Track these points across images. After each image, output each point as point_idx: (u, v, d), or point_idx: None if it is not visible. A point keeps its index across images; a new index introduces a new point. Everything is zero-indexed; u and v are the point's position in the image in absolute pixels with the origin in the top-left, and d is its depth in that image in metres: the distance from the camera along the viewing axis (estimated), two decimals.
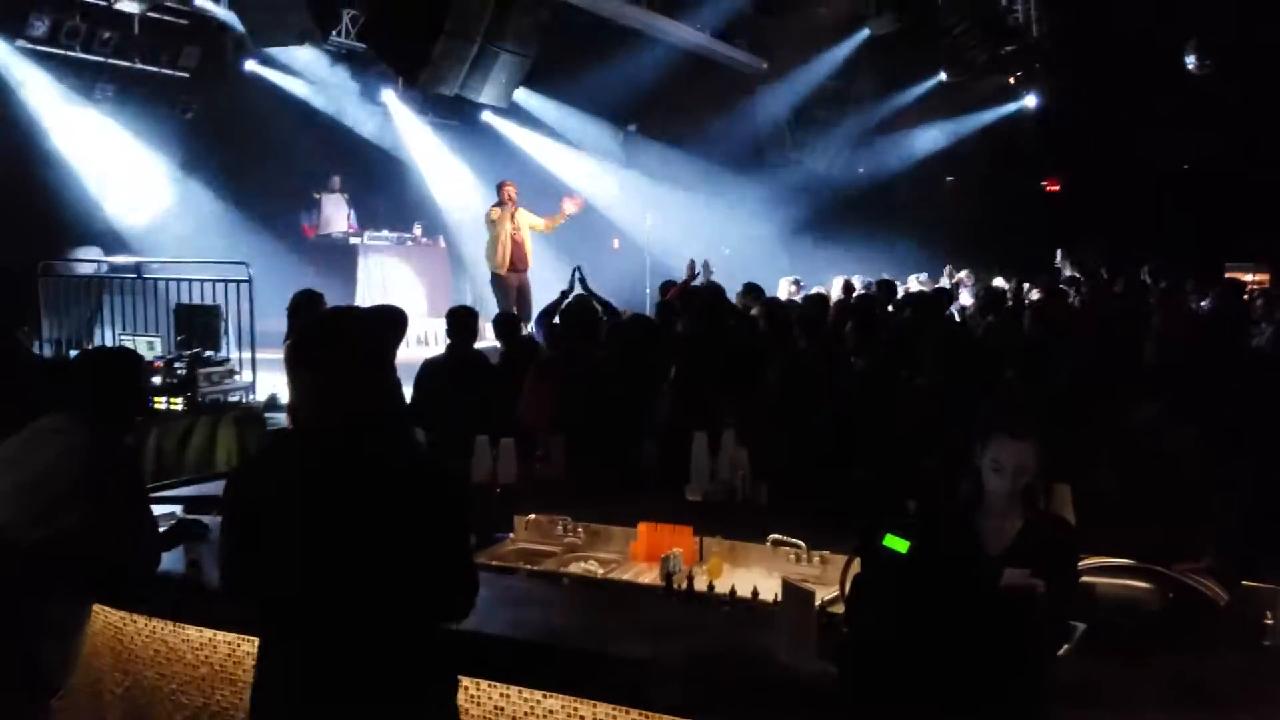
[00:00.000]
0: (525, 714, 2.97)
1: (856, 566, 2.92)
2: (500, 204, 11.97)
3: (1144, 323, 7.01)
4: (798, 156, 17.41)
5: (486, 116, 15.78)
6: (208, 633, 3.42)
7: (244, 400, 8.37)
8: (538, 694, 2.94)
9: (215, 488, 4.16)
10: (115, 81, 12.34)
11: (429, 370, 6.64)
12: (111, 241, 12.13)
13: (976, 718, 2.44)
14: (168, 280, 10.12)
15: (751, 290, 9.35)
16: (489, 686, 2.98)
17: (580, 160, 16.69)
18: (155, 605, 3.51)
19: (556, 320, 7.18)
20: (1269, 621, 2.98)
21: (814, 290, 10.80)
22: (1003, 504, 2.78)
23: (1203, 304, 9.61)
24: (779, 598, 3.07)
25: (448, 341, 6.69)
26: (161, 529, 3.66)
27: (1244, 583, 3.33)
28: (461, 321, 6.68)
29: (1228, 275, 12.11)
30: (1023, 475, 2.74)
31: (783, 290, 11.10)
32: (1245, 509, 4.03)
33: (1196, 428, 4.38)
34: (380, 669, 2.44)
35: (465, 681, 2.88)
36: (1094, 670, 2.83)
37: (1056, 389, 4.98)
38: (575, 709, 2.89)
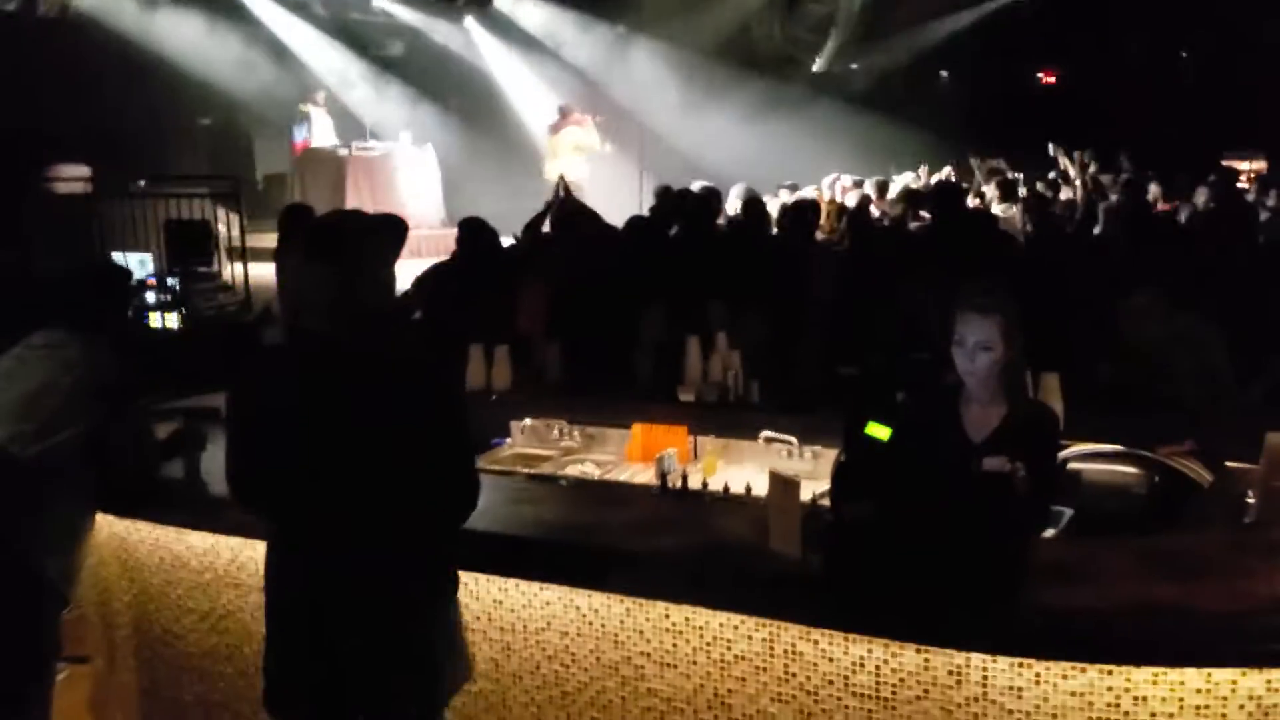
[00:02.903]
0: (523, 606, 3.04)
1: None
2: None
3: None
4: (793, 53, 17.12)
5: (469, 25, 15.54)
6: (210, 539, 3.48)
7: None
8: (535, 586, 3.01)
9: (215, 400, 4.19)
10: None
11: (435, 276, 6.58)
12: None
13: (958, 599, 2.50)
14: (156, 197, 10.04)
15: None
16: (487, 580, 3.05)
17: (563, 71, 16.38)
18: (158, 513, 3.56)
19: (545, 228, 7.15)
20: (1250, 500, 3.04)
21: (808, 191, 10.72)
22: (979, 389, 2.82)
23: (1199, 195, 9.54)
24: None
25: (454, 249, 6.62)
26: (161, 438, 3.70)
27: (1227, 464, 3.39)
28: (473, 231, 6.57)
29: (1223, 163, 12.00)
30: (985, 352, 2.77)
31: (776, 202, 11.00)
32: (1227, 392, 4.09)
33: (1187, 314, 4.41)
34: (386, 567, 2.50)
35: (464, 576, 2.93)
36: (1076, 550, 2.90)
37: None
38: (571, 599, 2.96)
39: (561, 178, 8.34)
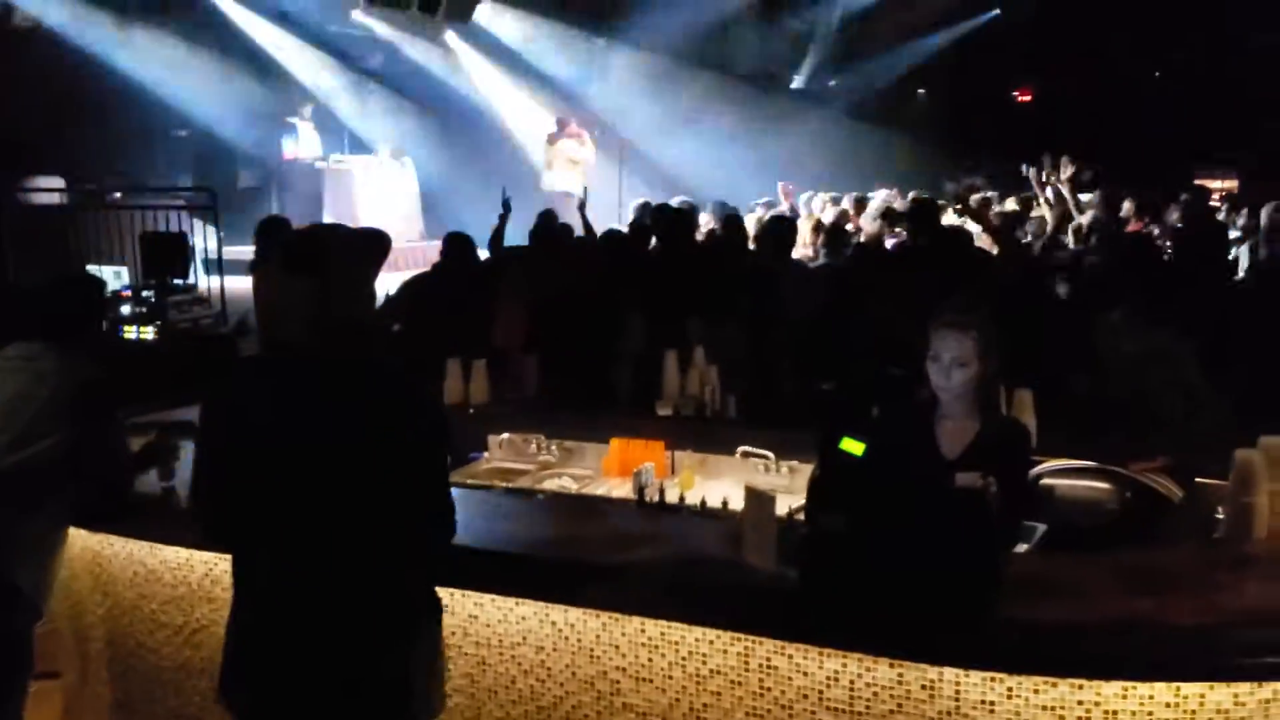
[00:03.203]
0: (499, 620, 3.04)
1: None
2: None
3: None
4: (772, 69, 17.23)
5: (450, 39, 15.56)
6: (184, 553, 3.46)
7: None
8: (510, 601, 3.00)
9: (189, 413, 4.16)
10: None
11: (415, 287, 6.57)
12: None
13: (931, 614, 2.51)
14: (132, 209, 9.99)
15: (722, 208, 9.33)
16: (462, 595, 3.04)
17: (543, 84, 16.45)
18: (132, 527, 3.54)
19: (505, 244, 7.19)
20: (1220, 516, 3.08)
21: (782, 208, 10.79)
22: (954, 405, 2.85)
23: (1170, 213, 9.66)
24: None
25: (436, 261, 6.61)
26: (135, 450, 3.68)
27: (1198, 480, 3.43)
28: (456, 246, 6.56)
29: (1196, 182, 12.15)
30: (961, 369, 2.80)
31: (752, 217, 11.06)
32: (1202, 408, 4.13)
33: (1162, 331, 4.46)
34: (360, 589, 2.46)
35: (439, 592, 2.93)
36: (1050, 565, 2.94)
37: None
38: (547, 614, 2.96)
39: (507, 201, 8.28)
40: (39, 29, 11.95)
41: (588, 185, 10.69)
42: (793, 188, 11.65)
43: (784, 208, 10.71)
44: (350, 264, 2.53)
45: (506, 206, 7.46)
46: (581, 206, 8.41)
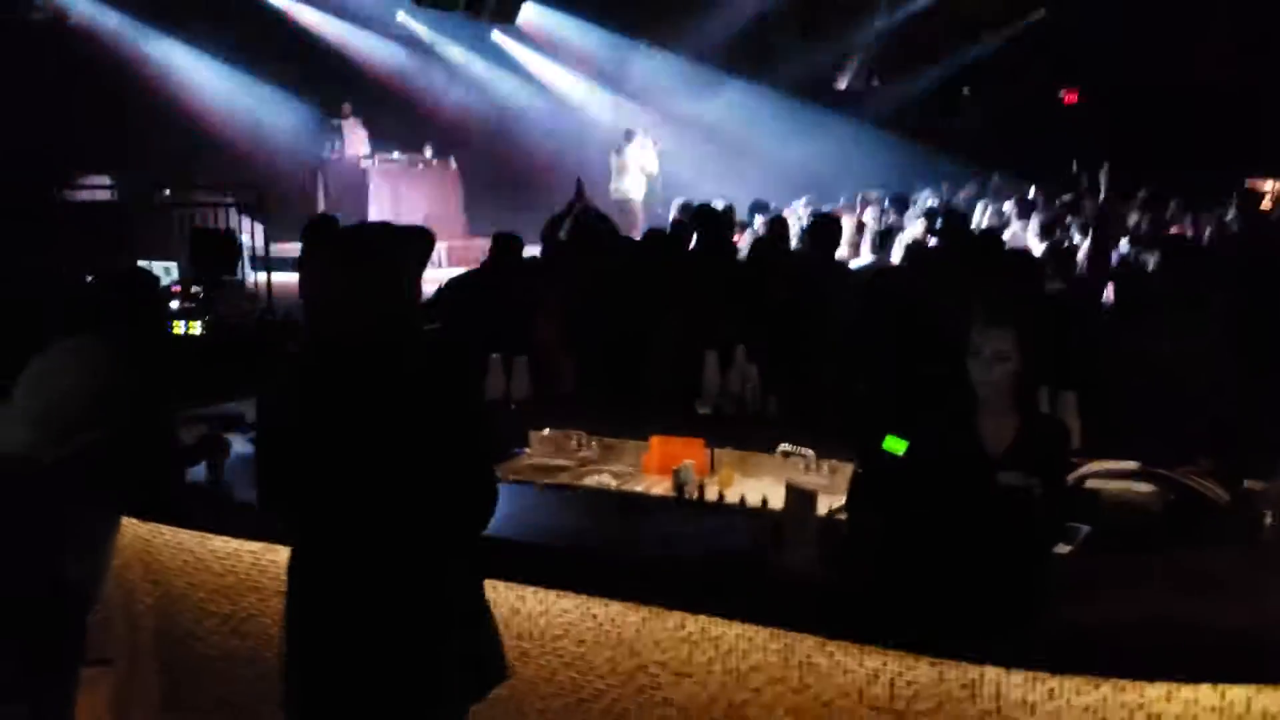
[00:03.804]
0: (540, 613, 3.07)
1: None
2: None
3: None
4: (816, 72, 17.17)
5: (497, 38, 15.66)
6: (233, 543, 3.53)
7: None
8: (552, 594, 3.03)
9: (240, 407, 4.24)
10: None
11: (456, 288, 6.63)
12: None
13: (973, 613, 2.51)
14: (182, 206, 10.16)
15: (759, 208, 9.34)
16: (505, 588, 3.07)
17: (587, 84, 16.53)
18: (182, 517, 3.61)
19: (562, 235, 7.18)
20: (1268, 520, 3.04)
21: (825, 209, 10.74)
22: (995, 401, 2.84)
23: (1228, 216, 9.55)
24: None
25: (482, 259, 6.66)
26: (186, 443, 3.74)
27: (1245, 483, 3.38)
28: (504, 246, 6.62)
29: (1247, 185, 11.97)
30: (1002, 363, 2.79)
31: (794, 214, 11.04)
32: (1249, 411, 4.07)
33: (1206, 332, 4.41)
34: (410, 574, 2.53)
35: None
36: (1094, 567, 2.91)
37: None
38: (588, 608, 2.99)
39: (579, 180, 8.32)
40: (61, 20, 12.11)
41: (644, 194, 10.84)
42: (875, 195, 11.59)
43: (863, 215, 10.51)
44: (396, 260, 2.60)
45: (579, 193, 7.47)
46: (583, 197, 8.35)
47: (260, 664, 3.52)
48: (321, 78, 14.82)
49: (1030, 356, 2.83)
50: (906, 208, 10.82)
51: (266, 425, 2.63)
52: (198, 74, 13.16)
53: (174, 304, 7.63)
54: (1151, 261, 6.42)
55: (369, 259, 2.54)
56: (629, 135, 14.15)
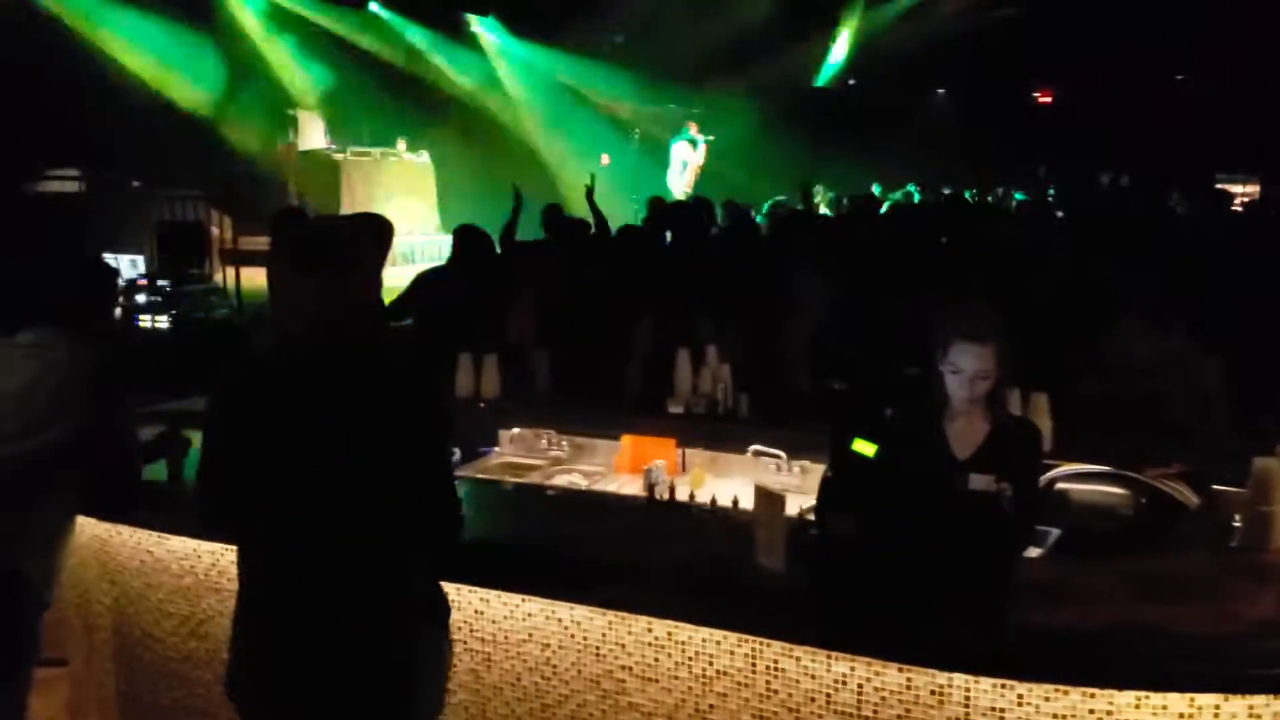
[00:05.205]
0: (505, 617, 3.02)
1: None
2: None
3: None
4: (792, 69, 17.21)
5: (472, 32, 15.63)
6: (191, 543, 3.46)
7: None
8: (517, 597, 2.99)
9: (198, 403, 4.16)
10: None
11: (427, 283, 6.56)
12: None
13: (942, 618, 2.48)
14: (149, 199, 10.03)
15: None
16: (469, 591, 3.02)
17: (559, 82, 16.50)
18: (139, 517, 3.53)
19: (518, 237, 7.14)
20: (1236, 524, 3.03)
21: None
22: (967, 408, 2.82)
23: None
24: None
25: (449, 256, 6.60)
26: (144, 441, 3.67)
27: (1214, 486, 3.38)
28: (464, 239, 6.56)
29: (1217, 186, 12.04)
30: (982, 379, 2.78)
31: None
32: (1220, 415, 4.08)
33: (1178, 336, 4.41)
34: (367, 582, 2.44)
35: (446, 587, 2.91)
36: (1063, 571, 2.89)
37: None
38: (553, 611, 2.94)
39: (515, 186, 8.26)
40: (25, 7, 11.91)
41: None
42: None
43: None
44: (355, 256, 2.54)
45: (518, 200, 7.42)
46: (590, 194, 8.34)
47: (219, 666, 3.43)
48: (288, 68, 14.69)
49: (1009, 368, 2.81)
50: (876, 207, 10.82)
51: (216, 421, 2.54)
52: (163, 61, 13.00)
53: (140, 298, 7.56)
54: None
55: (325, 259, 2.48)
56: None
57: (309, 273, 2.47)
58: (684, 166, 14.42)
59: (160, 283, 7.88)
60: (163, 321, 7.55)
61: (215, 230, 9.89)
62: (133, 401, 3.68)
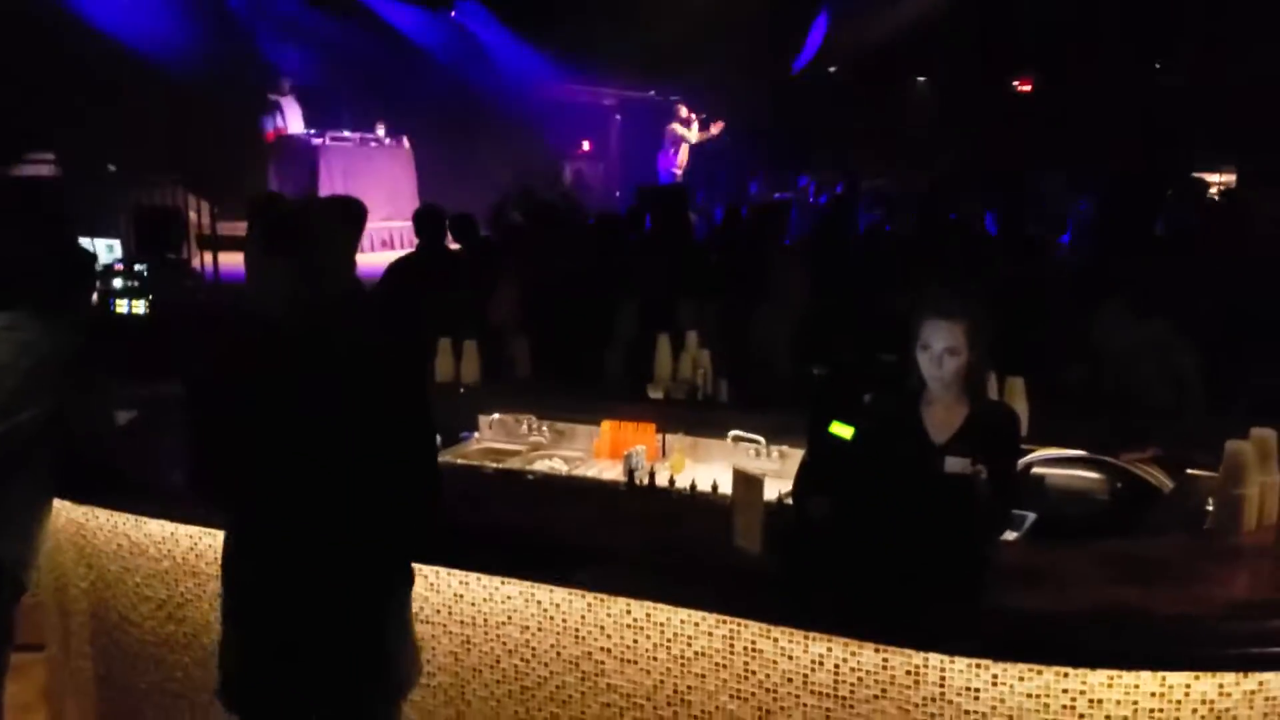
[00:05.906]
0: (484, 599, 3.02)
1: None
2: None
3: None
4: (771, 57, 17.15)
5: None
6: (169, 526, 3.45)
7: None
8: (496, 580, 2.99)
9: (178, 387, 4.13)
10: None
11: (399, 269, 6.57)
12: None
13: (917, 599, 2.50)
14: (126, 183, 9.95)
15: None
16: (448, 574, 3.03)
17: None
18: (116, 500, 3.52)
19: (515, 217, 7.14)
20: (1209, 507, 3.06)
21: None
22: (942, 391, 2.84)
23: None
24: None
25: (416, 241, 6.61)
26: (122, 424, 3.65)
27: (1188, 470, 3.42)
28: (428, 220, 6.58)
29: (1194, 175, 12.10)
30: (952, 357, 2.79)
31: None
32: (1196, 400, 4.12)
33: (1156, 322, 4.44)
34: (346, 560, 2.48)
35: (425, 569, 2.92)
36: (1038, 553, 2.92)
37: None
38: (532, 594, 2.95)
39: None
40: None
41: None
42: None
43: None
44: (327, 239, 2.55)
45: (508, 184, 7.44)
46: (559, 182, 8.36)
47: (196, 649, 3.45)
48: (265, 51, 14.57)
49: (981, 347, 2.82)
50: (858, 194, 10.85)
51: (198, 405, 2.55)
52: (141, 44, 12.86)
53: (117, 282, 7.50)
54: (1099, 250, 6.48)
55: (297, 242, 2.48)
56: (676, 111, 14.94)
57: (281, 253, 2.48)
58: (677, 149, 14.77)
59: (137, 267, 7.82)
60: (139, 306, 7.49)
61: (193, 215, 9.80)
62: (107, 384, 3.66)
